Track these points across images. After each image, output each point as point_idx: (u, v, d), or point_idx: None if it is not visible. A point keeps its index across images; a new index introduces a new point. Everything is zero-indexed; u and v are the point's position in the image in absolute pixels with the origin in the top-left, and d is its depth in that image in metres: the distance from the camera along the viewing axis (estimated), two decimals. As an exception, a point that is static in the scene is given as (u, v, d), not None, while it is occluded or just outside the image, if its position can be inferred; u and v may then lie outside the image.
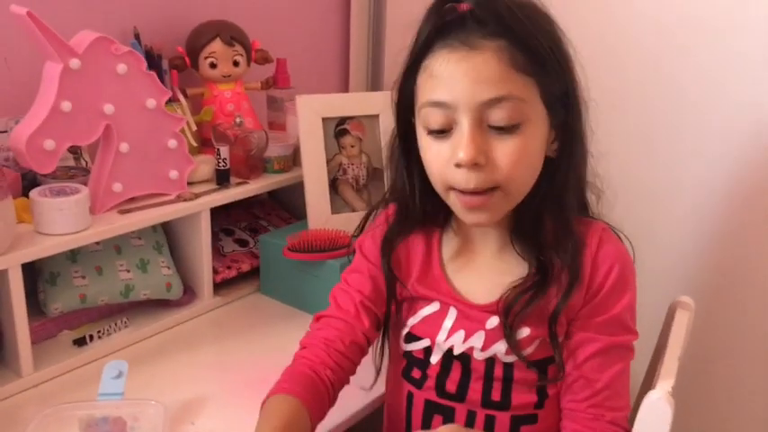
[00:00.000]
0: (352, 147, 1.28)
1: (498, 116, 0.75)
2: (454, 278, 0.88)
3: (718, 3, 1.21)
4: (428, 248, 0.90)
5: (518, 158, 0.76)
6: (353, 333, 0.87)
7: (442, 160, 0.79)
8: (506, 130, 0.76)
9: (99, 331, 1.11)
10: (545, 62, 0.76)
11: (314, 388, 0.81)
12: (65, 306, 1.09)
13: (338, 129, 1.28)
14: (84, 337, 1.09)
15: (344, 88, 1.73)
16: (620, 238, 0.88)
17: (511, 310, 0.82)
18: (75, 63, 1.01)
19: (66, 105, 1.01)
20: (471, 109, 0.75)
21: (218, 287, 1.26)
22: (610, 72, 1.29)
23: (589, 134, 0.86)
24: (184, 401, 0.97)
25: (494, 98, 0.74)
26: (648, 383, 0.90)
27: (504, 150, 0.76)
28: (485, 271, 0.87)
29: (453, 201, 0.81)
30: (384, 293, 0.90)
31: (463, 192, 0.78)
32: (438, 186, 0.82)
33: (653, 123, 1.34)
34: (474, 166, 0.76)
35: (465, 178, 0.77)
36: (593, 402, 0.83)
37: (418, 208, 0.88)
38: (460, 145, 0.76)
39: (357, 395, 0.97)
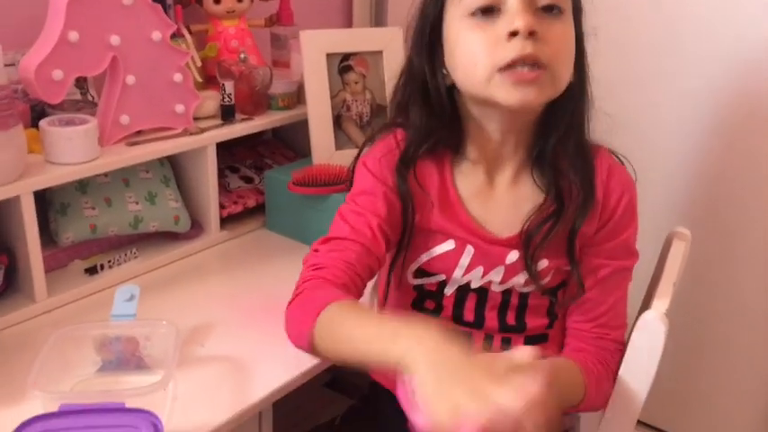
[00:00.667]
0: (356, 83, 1.29)
1: None
2: (472, 208, 0.88)
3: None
4: (441, 177, 0.89)
5: (564, 41, 0.79)
6: (369, 256, 0.85)
7: (491, 39, 0.77)
8: (553, 11, 0.78)
9: (110, 261, 1.14)
10: None
11: (346, 291, 0.80)
12: (76, 236, 1.11)
13: (342, 65, 1.28)
14: (96, 267, 1.12)
15: (348, 24, 1.73)
16: (622, 162, 0.90)
17: (531, 242, 0.84)
18: (81, -7, 1.02)
19: (73, 35, 1.02)
20: None
21: (225, 222, 1.29)
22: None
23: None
24: (194, 326, 1.01)
25: None
26: (645, 308, 0.93)
27: (554, 30, 0.78)
28: (501, 201, 0.88)
29: (499, 82, 0.78)
30: (398, 217, 0.88)
31: (516, 63, 0.76)
32: (481, 73, 0.78)
33: (646, 63, 1.38)
34: (530, 34, 0.76)
35: (521, 45, 0.75)
36: (599, 323, 0.89)
37: (447, 107, 0.86)
38: (516, 15, 0.76)
39: None
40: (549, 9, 0.78)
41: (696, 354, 1.47)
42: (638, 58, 1.38)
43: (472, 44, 0.79)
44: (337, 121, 1.29)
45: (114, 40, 1.07)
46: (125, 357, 0.91)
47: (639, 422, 1.53)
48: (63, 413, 0.75)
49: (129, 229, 1.16)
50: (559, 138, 0.84)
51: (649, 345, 0.85)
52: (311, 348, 0.77)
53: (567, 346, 0.90)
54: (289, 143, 1.49)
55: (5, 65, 0.96)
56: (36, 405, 0.79)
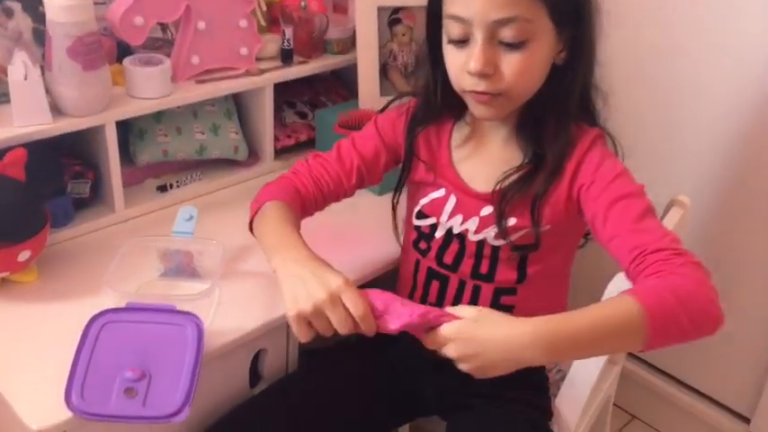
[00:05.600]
0: (404, 35, 1.41)
1: (507, 34, 0.88)
2: (460, 166, 1.04)
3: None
4: (439, 140, 1.06)
5: (521, 71, 0.90)
6: (339, 183, 1.09)
7: (459, 66, 0.93)
8: (514, 46, 0.89)
9: (177, 181, 1.33)
10: None
11: (298, 203, 1.04)
12: (150, 158, 1.31)
13: (392, 18, 1.40)
14: (166, 185, 1.32)
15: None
16: (615, 144, 1.01)
17: (503, 199, 0.98)
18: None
19: (153, -13, 1.18)
20: (484, 26, 0.88)
21: (279, 153, 1.46)
22: None
23: (601, 41, 0.97)
24: (241, 245, 1.18)
25: (503, 18, 0.87)
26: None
27: (510, 63, 0.90)
28: (489, 160, 1.02)
29: (468, 98, 0.96)
30: (379, 167, 1.11)
31: (473, 92, 0.93)
32: (455, 87, 0.97)
33: (660, 35, 1.43)
34: (483, 75, 0.90)
35: (475, 83, 0.92)
36: (633, 254, 0.85)
37: (439, 101, 1.03)
38: (473, 56, 0.90)
39: (380, 255, 1.19)
40: (510, 45, 0.89)
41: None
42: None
43: (450, 63, 0.96)
44: (384, 70, 1.42)
45: (188, -10, 1.22)
46: (182, 267, 1.11)
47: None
48: (128, 309, 0.96)
49: (195, 155, 1.35)
50: (543, 114, 0.97)
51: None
52: (251, 231, 1.04)
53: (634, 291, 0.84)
54: (345, 83, 1.62)
55: (95, 2, 1.11)
56: (108, 300, 0.99)
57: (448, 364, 0.84)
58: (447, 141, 1.06)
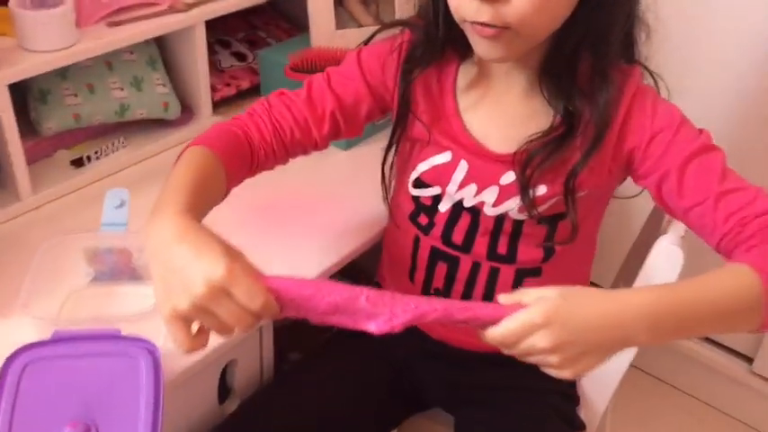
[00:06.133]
0: (360, -48, 1.17)
1: None
2: (469, 120, 0.82)
3: None
4: (441, 88, 0.84)
5: (535, 3, 0.68)
6: (307, 131, 0.85)
7: None
8: None
9: (96, 151, 1.08)
10: None
11: (239, 151, 0.81)
12: (58, 125, 1.05)
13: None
14: (82, 158, 1.06)
15: None
16: (657, 84, 0.81)
17: (530, 164, 0.78)
18: None
19: None
20: None
21: (218, 106, 1.21)
22: None
23: None
24: (190, 228, 0.96)
25: None
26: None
27: None
28: (505, 116, 0.81)
29: (469, 31, 0.74)
30: (361, 117, 0.88)
31: (474, 23, 0.71)
32: (454, 15, 0.74)
33: None
34: (487, 0, 0.68)
35: (476, 10, 0.69)
36: (732, 224, 0.72)
37: (441, 35, 0.79)
38: None
39: (356, 230, 0.98)
40: None
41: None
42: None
43: None
44: (338, -3, 1.18)
45: None
46: (118, 268, 0.88)
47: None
48: (56, 341, 0.73)
49: (114, 118, 1.09)
50: (573, 54, 0.75)
51: (665, 273, 0.82)
52: None
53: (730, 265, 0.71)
54: (285, 14, 1.37)
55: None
56: (27, 329, 0.76)
57: (456, 350, 0.68)
58: (451, 88, 0.83)
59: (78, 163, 1.06)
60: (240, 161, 0.81)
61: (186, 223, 0.65)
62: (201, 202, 0.71)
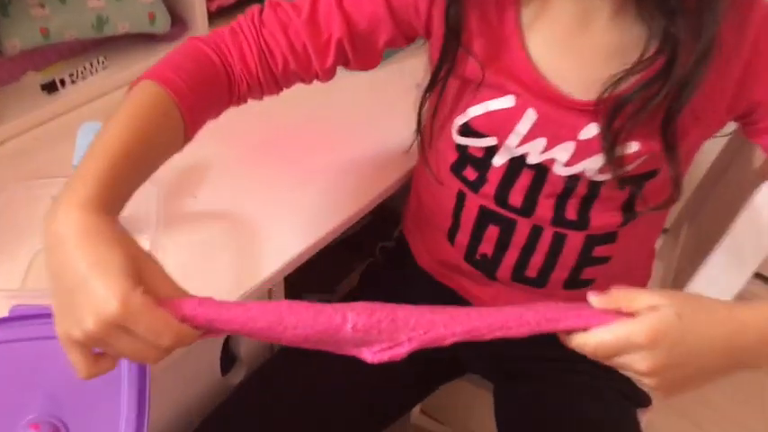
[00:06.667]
0: None
1: None
2: (541, 56, 0.63)
3: None
4: (501, 14, 0.64)
5: None
6: (304, 63, 0.69)
7: None
8: None
9: (71, 74, 0.92)
10: None
11: (211, 84, 0.64)
12: (24, 42, 0.88)
13: None
14: (54, 81, 0.90)
15: None
16: None
17: (620, 114, 0.60)
18: None
19: None
20: None
21: (214, 18, 1.04)
22: None
23: None
24: (182, 169, 0.82)
25: None
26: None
27: None
28: (588, 49, 0.62)
29: None
30: (377, 46, 0.70)
31: None
32: None
33: None
34: None
35: None
36: None
37: None
38: None
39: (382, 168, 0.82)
40: None
41: None
42: None
43: None
44: None
45: None
46: (95, 220, 0.73)
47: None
48: (16, 318, 0.59)
49: (91, 33, 0.92)
50: None
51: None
52: None
53: None
54: None
55: None
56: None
57: None
58: (515, 14, 0.64)
59: (50, 88, 0.90)
60: (211, 98, 0.64)
61: (89, 222, 0.49)
62: (127, 178, 0.54)
